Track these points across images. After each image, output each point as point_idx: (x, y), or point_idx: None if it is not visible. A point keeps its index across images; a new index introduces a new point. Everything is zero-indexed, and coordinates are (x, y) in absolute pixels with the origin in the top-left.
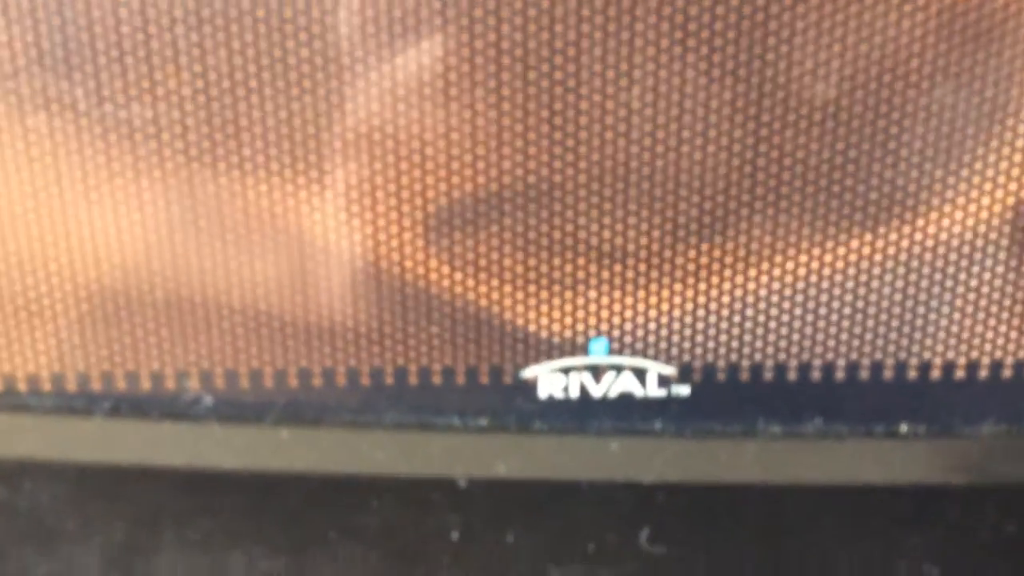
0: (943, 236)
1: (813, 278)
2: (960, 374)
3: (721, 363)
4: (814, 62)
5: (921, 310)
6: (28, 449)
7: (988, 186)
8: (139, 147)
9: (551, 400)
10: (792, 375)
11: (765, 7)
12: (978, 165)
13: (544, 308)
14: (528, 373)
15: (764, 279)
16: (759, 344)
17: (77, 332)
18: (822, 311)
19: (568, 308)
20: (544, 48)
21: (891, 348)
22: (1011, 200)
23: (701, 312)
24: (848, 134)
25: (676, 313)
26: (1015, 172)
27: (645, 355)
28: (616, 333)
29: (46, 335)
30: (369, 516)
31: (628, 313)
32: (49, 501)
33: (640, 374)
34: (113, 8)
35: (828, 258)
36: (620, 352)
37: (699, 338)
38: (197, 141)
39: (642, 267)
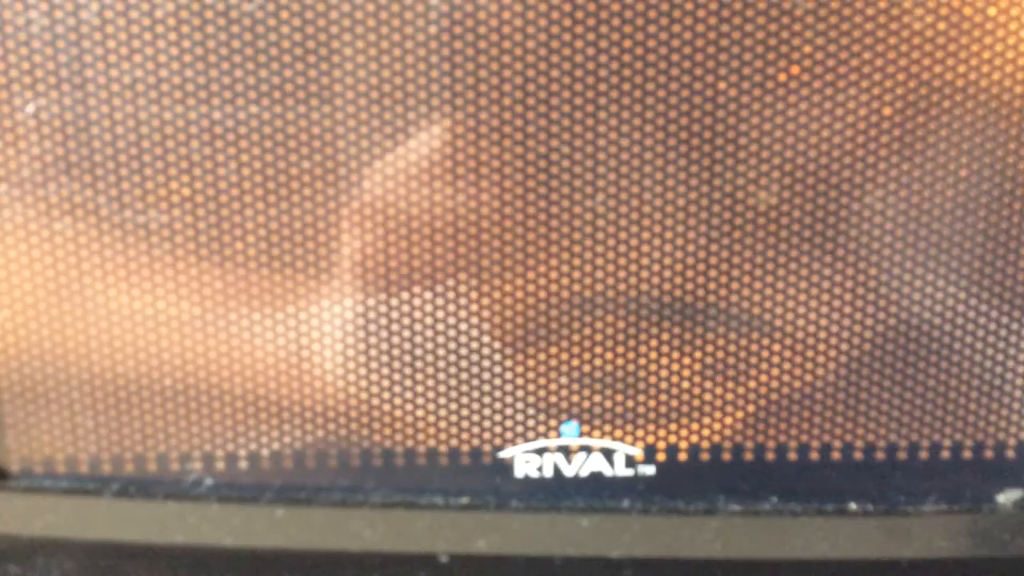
0: (883, 327)
1: (765, 366)
2: (902, 455)
3: (683, 444)
4: (763, 154)
5: (864, 395)
6: (42, 527)
7: (919, 278)
8: (153, 248)
9: (527, 479)
10: (748, 456)
11: (712, 107)
12: (917, 256)
13: (520, 393)
14: (505, 454)
15: (720, 366)
16: (717, 427)
17: (90, 418)
18: (773, 396)
19: (542, 394)
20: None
21: (837, 431)
22: (941, 291)
23: (664, 396)
24: (800, 228)
25: (641, 397)
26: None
27: (613, 437)
28: (586, 417)
29: (61, 420)
30: None
31: (597, 398)
32: None
33: (608, 455)
34: (135, 125)
35: (778, 347)
36: (590, 434)
37: (662, 421)
38: (205, 242)
39: (609, 355)
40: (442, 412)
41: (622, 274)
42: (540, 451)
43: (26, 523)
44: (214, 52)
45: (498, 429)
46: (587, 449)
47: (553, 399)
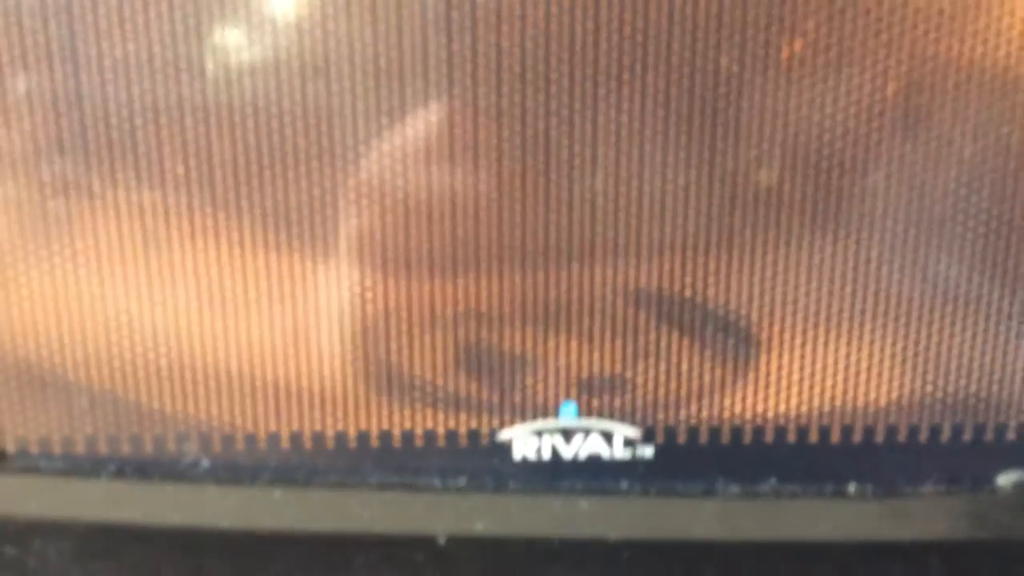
0: (885, 308)
1: (764, 347)
2: (901, 437)
3: (682, 426)
4: (763, 137)
5: (864, 376)
6: (38, 508)
7: (921, 258)
8: (148, 227)
9: (525, 461)
10: (747, 438)
11: (715, 87)
12: (918, 238)
13: (518, 375)
14: (504, 436)
15: (720, 348)
16: (716, 409)
17: (86, 398)
18: (772, 378)
19: (540, 375)
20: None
21: (837, 413)
22: (943, 271)
23: (663, 378)
24: (803, 208)
25: (640, 379)
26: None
27: (611, 419)
28: (584, 398)
29: (57, 401)
30: (354, 573)
31: (596, 379)
32: (56, 559)
33: (607, 436)
34: (127, 101)
35: (777, 329)
36: (588, 416)
37: (661, 403)
38: (201, 221)
39: (608, 335)
40: (440, 393)
41: (621, 253)
42: (538, 433)
43: (22, 504)
44: (208, 28)
45: (496, 410)
46: (586, 431)
47: (551, 380)
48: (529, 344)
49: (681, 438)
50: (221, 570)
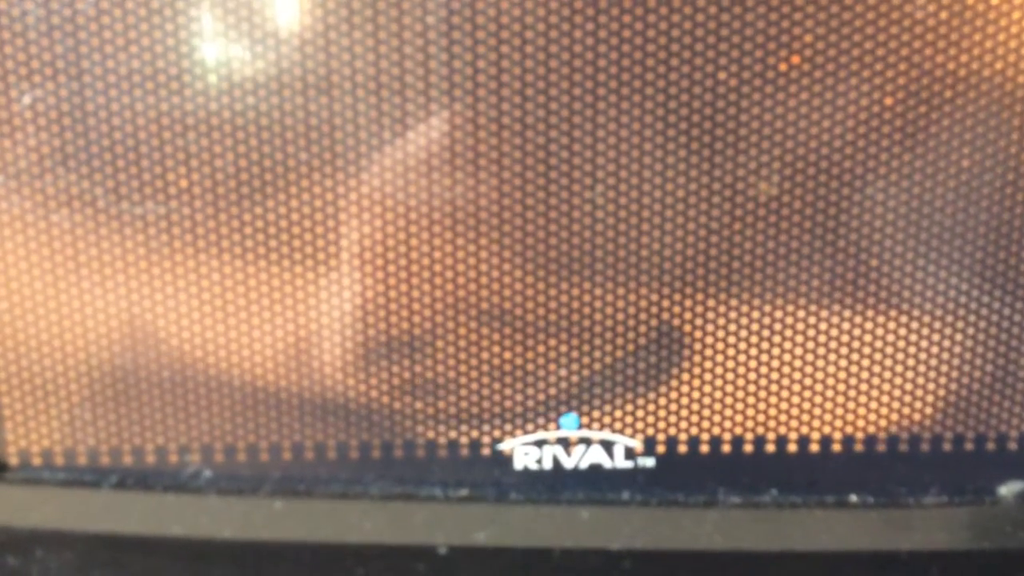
0: (885, 320)
1: (764, 358)
2: (903, 447)
3: (683, 436)
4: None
5: (865, 386)
6: (41, 519)
7: (919, 271)
8: (151, 240)
9: (526, 471)
10: (748, 448)
11: (713, 98)
12: (918, 248)
13: (519, 385)
14: (505, 446)
15: (720, 358)
16: (717, 419)
17: (88, 410)
18: (773, 388)
19: (541, 385)
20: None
21: (838, 422)
22: (943, 282)
23: (664, 389)
24: (802, 220)
25: (641, 390)
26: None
27: (612, 429)
28: (585, 409)
29: (60, 413)
30: None
31: (596, 390)
32: (58, 569)
33: (608, 447)
34: (131, 116)
35: (778, 339)
36: (589, 427)
37: (662, 413)
38: (203, 233)
39: (608, 347)
40: (441, 404)
41: (621, 265)
42: (539, 443)
43: (24, 515)
44: (211, 43)
45: (497, 421)
46: (586, 441)
47: (552, 391)
48: (530, 355)
49: (682, 448)
50: None
